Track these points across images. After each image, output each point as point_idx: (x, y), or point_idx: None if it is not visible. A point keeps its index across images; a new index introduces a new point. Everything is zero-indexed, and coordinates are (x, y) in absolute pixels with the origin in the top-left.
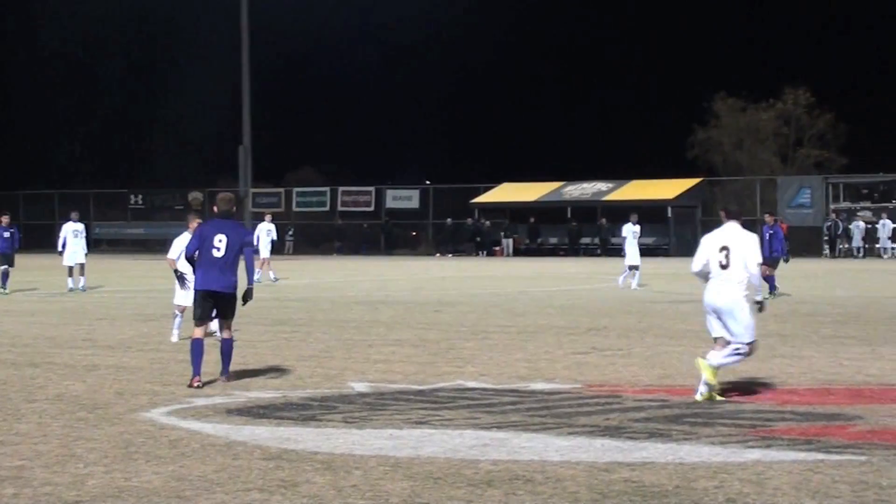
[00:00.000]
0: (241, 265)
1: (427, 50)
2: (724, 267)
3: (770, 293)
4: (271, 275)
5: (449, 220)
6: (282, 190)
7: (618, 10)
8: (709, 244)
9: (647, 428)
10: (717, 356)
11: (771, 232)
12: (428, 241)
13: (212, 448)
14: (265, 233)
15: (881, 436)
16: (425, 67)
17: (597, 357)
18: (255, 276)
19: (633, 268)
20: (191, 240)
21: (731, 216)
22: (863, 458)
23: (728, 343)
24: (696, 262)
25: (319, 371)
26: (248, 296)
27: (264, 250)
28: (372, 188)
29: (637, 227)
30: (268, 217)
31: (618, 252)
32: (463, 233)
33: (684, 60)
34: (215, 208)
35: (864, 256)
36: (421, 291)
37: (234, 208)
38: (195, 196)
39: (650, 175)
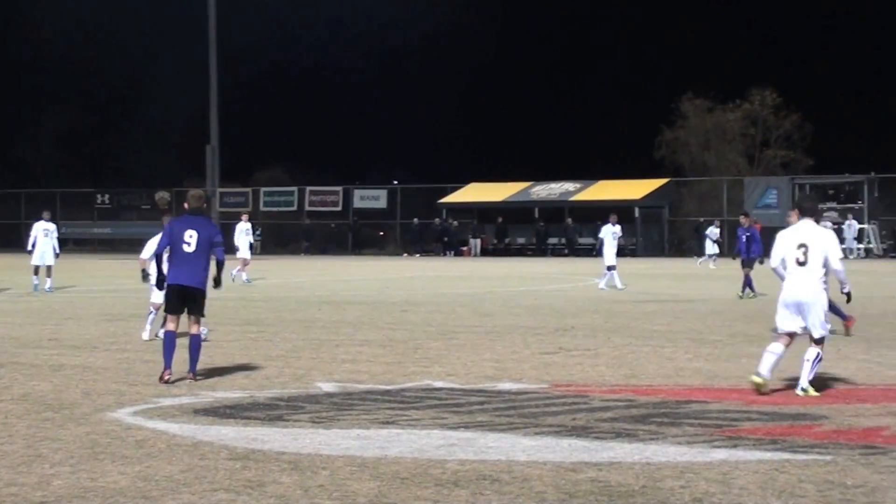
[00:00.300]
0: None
1: (396, 51)
2: (801, 264)
3: (745, 293)
4: (243, 276)
5: (415, 220)
6: (249, 189)
7: (585, 11)
8: (786, 241)
9: (614, 428)
10: (805, 375)
11: (748, 234)
12: (396, 241)
13: (178, 448)
14: (243, 233)
15: (846, 436)
16: (394, 68)
17: (564, 357)
18: (240, 276)
19: (610, 268)
20: (161, 237)
21: (805, 214)
22: (828, 457)
23: (790, 336)
24: (775, 259)
25: (287, 371)
26: (217, 284)
27: (244, 251)
28: (339, 188)
29: (617, 228)
30: (244, 217)
31: (587, 252)
32: (430, 233)
33: (651, 61)
34: (186, 205)
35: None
36: (388, 291)
37: (206, 205)
38: (161, 196)
39: (617, 175)
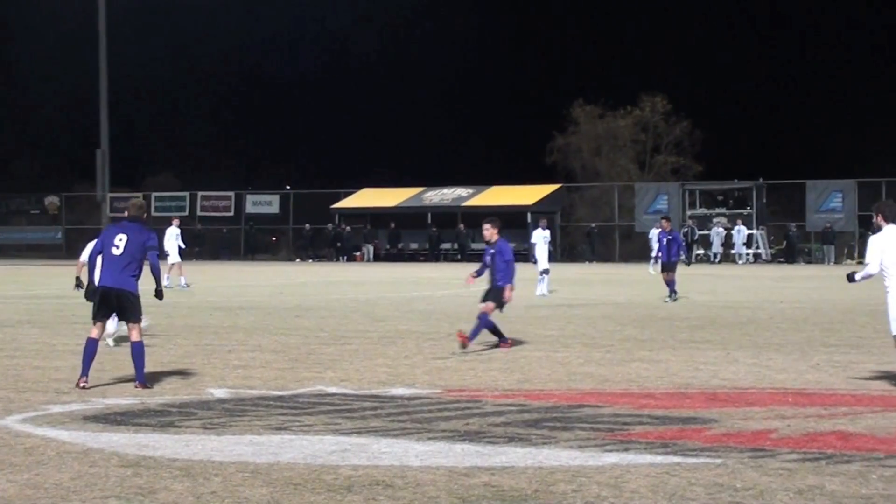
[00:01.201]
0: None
1: (288, 55)
2: None
3: (671, 297)
4: (182, 280)
5: (307, 225)
6: (140, 194)
7: (477, 16)
8: (881, 245)
9: (507, 432)
10: None
11: (669, 237)
12: (288, 247)
13: (68, 455)
14: (174, 238)
15: (736, 439)
16: (285, 73)
17: (457, 362)
18: (167, 282)
19: (544, 272)
20: (96, 241)
21: (890, 220)
22: (718, 460)
23: None
24: (874, 265)
25: (178, 377)
26: (158, 297)
27: (174, 255)
28: (232, 193)
29: (547, 232)
30: (175, 222)
31: (479, 258)
32: (323, 238)
33: (543, 68)
34: (126, 213)
35: (720, 262)
36: (281, 297)
37: (145, 215)
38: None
39: (510, 181)
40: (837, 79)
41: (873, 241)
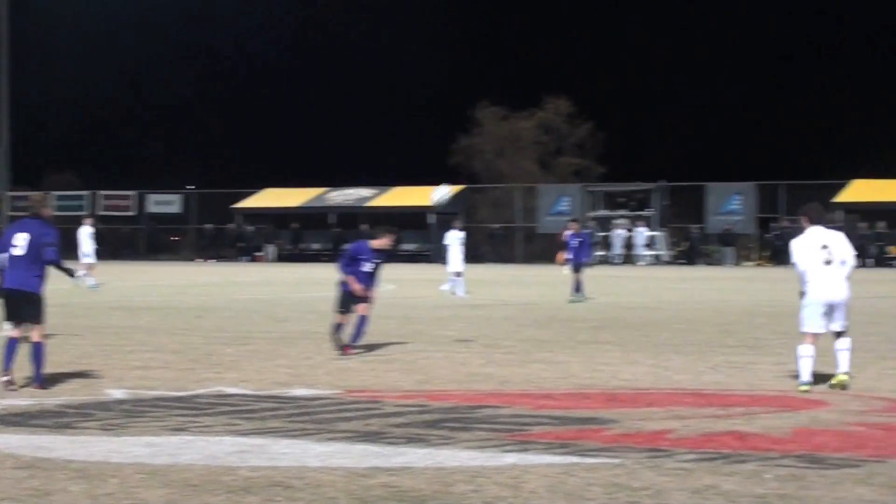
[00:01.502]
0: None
1: (187, 55)
2: (828, 263)
3: (576, 297)
4: (90, 281)
5: (209, 225)
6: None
7: (381, 15)
8: (806, 246)
9: (407, 433)
10: (846, 361)
11: (580, 239)
12: (190, 247)
13: None
14: (88, 237)
15: (634, 439)
16: (186, 71)
17: (357, 363)
18: (87, 281)
19: (458, 274)
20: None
21: (814, 221)
22: (616, 460)
23: (816, 336)
24: (800, 263)
25: (76, 378)
26: (69, 274)
27: (91, 256)
28: (133, 192)
29: (462, 234)
30: (88, 221)
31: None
32: (225, 238)
33: (447, 68)
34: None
35: (621, 263)
36: (182, 297)
37: (47, 210)
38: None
39: (412, 182)
40: (737, 82)
41: (795, 244)
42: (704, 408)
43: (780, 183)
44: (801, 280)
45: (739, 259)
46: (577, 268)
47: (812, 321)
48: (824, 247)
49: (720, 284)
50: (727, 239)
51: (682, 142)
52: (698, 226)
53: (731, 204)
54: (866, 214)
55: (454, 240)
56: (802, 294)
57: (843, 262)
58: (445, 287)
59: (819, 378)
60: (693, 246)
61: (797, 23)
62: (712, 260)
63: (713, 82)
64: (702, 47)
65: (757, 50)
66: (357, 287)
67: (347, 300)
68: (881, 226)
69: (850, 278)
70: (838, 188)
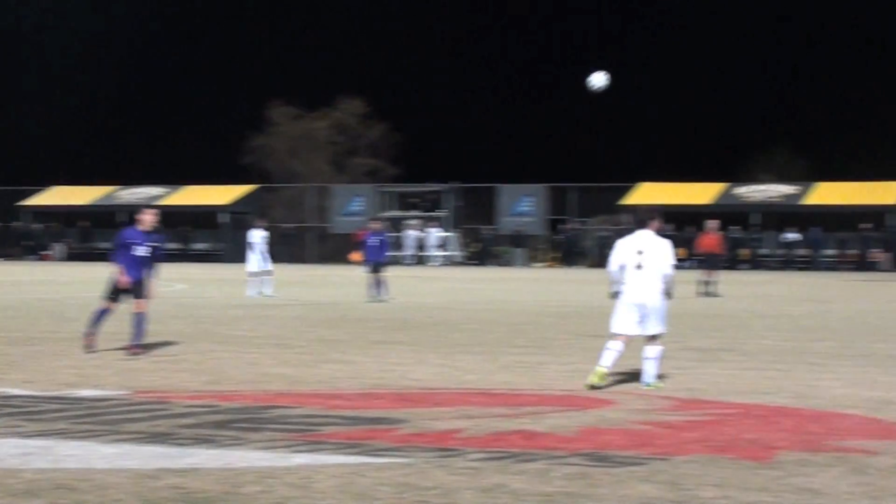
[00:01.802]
0: None
1: None
2: (639, 268)
3: (378, 296)
4: None
5: None
6: None
7: (175, 12)
8: (623, 248)
9: (196, 434)
10: (650, 370)
11: (382, 238)
12: None
13: None
14: None
15: (424, 438)
16: None
17: (146, 363)
18: None
19: (264, 273)
20: None
21: (641, 225)
22: (406, 460)
23: (626, 339)
24: (613, 264)
25: None
26: None
27: None
28: None
29: (266, 233)
30: None
31: (175, 258)
32: (11, 236)
33: (240, 67)
34: None
35: (414, 264)
36: None
37: None
38: None
39: (205, 181)
40: (528, 84)
41: (616, 244)
42: (494, 407)
43: (570, 185)
44: (610, 281)
45: (530, 260)
46: (375, 268)
47: (620, 323)
48: (640, 252)
49: (511, 285)
50: (518, 240)
51: (476, 144)
52: (490, 227)
53: (522, 205)
54: None
55: (258, 238)
56: (612, 295)
57: (660, 270)
58: (252, 293)
59: (629, 378)
60: (485, 247)
61: (578, 28)
62: (503, 261)
63: (506, 85)
64: (489, 50)
65: (544, 52)
66: (123, 280)
67: (118, 289)
68: (668, 228)
69: (667, 287)
70: (626, 191)
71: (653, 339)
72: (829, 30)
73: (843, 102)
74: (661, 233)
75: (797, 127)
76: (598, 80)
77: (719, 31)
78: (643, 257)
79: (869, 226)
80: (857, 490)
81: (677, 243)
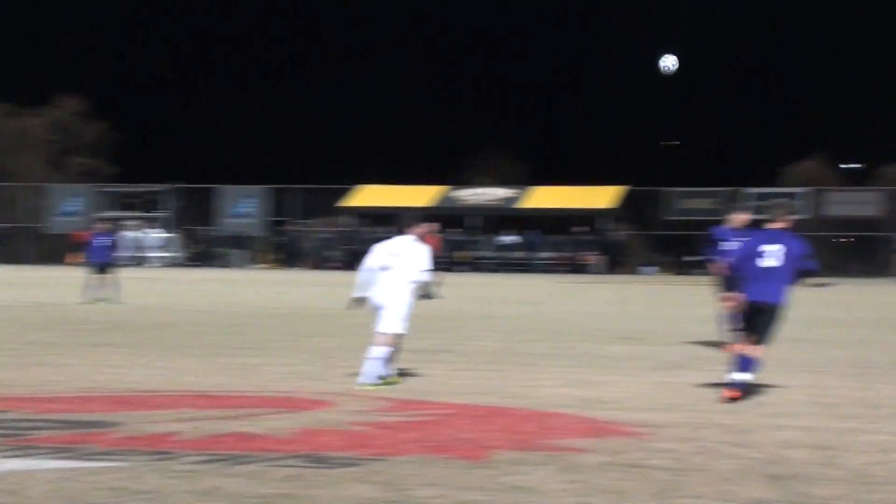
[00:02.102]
0: None
1: None
2: (385, 269)
3: (103, 296)
4: None
5: None
6: None
7: None
8: (379, 251)
9: None
10: (373, 369)
11: (111, 239)
12: None
13: None
14: None
15: (139, 442)
16: None
17: None
18: None
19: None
20: None
21: (404, 231)
22: (120, 464)
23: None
24: (365, 266)
25: None
26: None
27: None
28: None
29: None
30: None
31: None
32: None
33: None
34: None
35: (134, 265)
36: None
37: None
38: None
39: None
40: (246, 86)
41: (374, 248)
42: (211, 409)
43: (291, 187)
44: (357, 283)
45: (251, 261)
46: (102, 269)
47: (380, 321)
48: (393, 255)
49: (232, 286)
50: (239, 241)
51: (197, 144)
52: (211, 228)
53: (243, 206)
54: (375, 219)
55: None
56: (353, 301)
57: (409, 274)
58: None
59: (348, 380)
60: (206, 248)
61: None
62: (224, 262)
63: (224, 86)
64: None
65: (269, 53)
66: None
67: None
68: (386, 231)
69: (423, 290)
70: (346, 193)
71: (383, 338)
72: (537, 39)
73: (560, 109)
74: (421, 238)
75: (517, 132)
76: (671, 62)
77: (437, 39)
78: (394, 260)
79: (585, 229)
80: (568, 487)
81: None
